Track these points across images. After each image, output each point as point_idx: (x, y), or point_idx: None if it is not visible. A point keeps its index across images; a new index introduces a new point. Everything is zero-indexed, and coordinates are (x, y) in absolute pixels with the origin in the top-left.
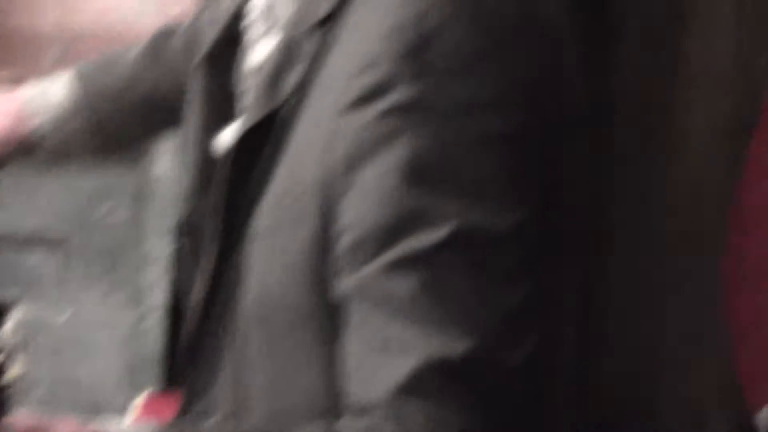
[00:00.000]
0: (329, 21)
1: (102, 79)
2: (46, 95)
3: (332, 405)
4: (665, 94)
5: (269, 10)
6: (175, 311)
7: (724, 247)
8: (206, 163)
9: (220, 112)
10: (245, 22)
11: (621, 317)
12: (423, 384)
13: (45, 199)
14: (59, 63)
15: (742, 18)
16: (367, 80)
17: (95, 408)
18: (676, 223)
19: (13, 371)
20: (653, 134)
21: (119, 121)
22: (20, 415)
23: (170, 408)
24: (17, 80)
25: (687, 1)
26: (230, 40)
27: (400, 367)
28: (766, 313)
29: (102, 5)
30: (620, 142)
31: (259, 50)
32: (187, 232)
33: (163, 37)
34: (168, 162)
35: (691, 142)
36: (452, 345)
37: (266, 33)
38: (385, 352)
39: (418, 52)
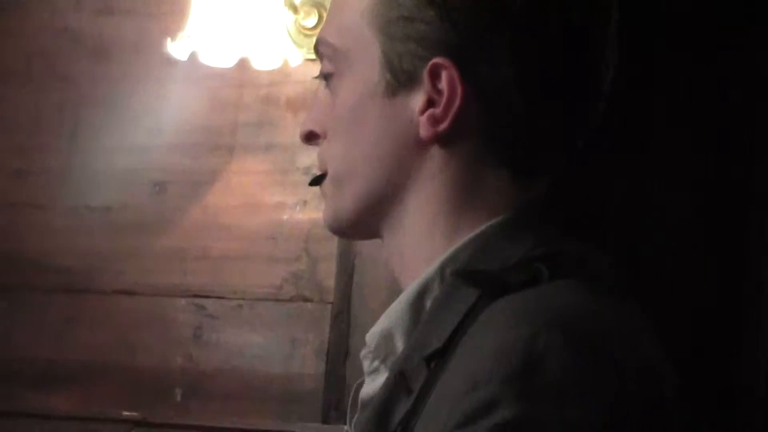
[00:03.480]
0: (437, 355)
1: None
2: None
3: None
4: None
5: (384, 344)
6: None
7: None
8: None
9: None
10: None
11: None
12: None
13: None
14: (185, 403)
15: None
16: (473, 401)
17: None
18: None
19: None
20: None
21: None
22: None
23: None
24: (143, 421)
25: None
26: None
27: None
28: None
29: (228, 346)
30: None
31: (369, 385)
32: None
33: None
34: None
35: None
36: None
37: (377, 369)
38: None
39: (523, 375)
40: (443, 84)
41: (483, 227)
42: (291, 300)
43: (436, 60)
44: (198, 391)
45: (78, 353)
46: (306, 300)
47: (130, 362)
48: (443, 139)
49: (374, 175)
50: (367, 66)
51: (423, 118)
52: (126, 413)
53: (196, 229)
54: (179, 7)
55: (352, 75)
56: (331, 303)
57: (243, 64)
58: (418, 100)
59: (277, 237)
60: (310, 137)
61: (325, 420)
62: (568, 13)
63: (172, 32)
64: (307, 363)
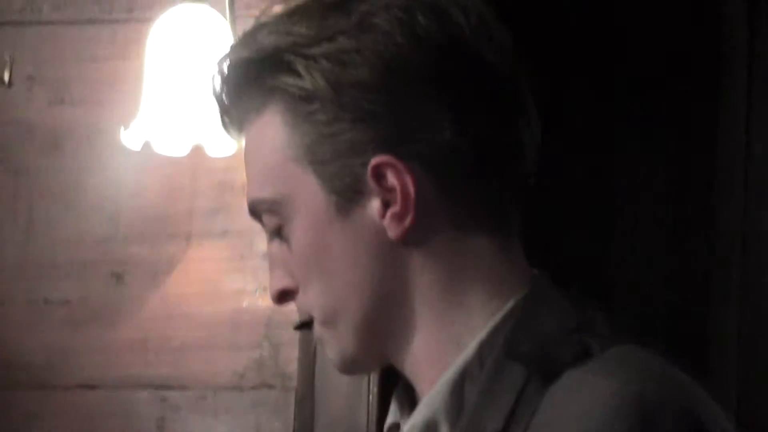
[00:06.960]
0: None
1: None
2: None
3: None
4: None
5: None
6: None
7: None
8: None
9: None
10: None
11: None
12: None
13: None
14: None
15: None
16: None
17: None
18: None
19: None
20: None
21: None
22: None
23: None
24: None
25: None
26: None
27: None
28: None
29: None
30: None
31: None
32: None
33: None
34: None
35: None
36: None
37: None
38: None
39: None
40: (391, 180)
41: (509, 305)
42: (254, 387)
43: (373, 162)
44: None
45: None
46: (269, 387)
47: None
48: (415, 229)
49: (364, 297)
50: (310, 198)
51: (386, 221)
52: None
53: (156, 319)
54: (131, 96)
55: (299, 214)
56: (295, 389)
57: (197, 152)
58: (373, 205)
59: (238, 324)
60: (284, 296)
61: None
62: (480, 60)
63: (125, 121)
64: None
